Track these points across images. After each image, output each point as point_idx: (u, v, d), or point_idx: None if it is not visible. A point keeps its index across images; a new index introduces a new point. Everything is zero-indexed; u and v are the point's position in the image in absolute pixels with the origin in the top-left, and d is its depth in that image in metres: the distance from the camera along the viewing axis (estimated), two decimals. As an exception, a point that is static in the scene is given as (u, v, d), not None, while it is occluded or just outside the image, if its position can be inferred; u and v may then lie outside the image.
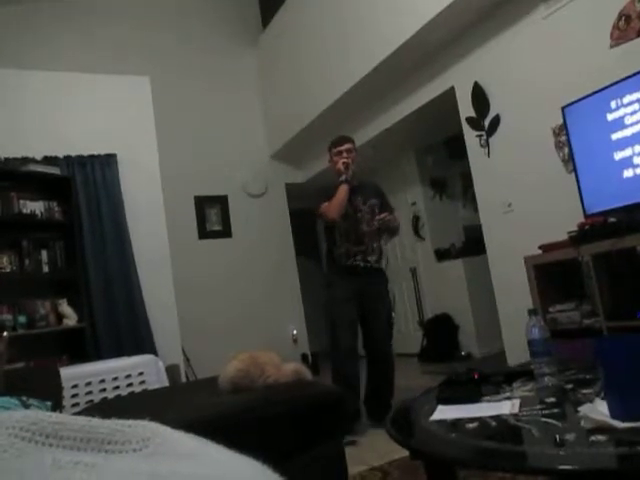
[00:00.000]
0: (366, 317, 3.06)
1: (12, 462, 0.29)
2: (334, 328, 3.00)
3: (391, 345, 3.16)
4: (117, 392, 2.72)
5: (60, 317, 3.41)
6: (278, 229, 5.72)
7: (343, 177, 2.98)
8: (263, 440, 1.43)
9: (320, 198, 3.06)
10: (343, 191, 2.96)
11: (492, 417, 1.17)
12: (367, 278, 3.03)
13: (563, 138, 3.00)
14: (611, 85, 2.62)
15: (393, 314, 3.28)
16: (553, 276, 2.88)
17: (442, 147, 5.52)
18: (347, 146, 3.08)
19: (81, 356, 3.29)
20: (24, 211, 3.42)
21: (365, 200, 3.10)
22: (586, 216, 2.73)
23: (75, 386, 2.62)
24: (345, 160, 3.02)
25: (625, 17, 2.75)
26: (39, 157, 3.56)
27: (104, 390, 2.70)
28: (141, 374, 2.84)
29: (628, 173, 2.57)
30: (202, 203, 5.37)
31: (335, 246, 3.07)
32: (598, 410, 1.01)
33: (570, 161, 2.92)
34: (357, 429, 2.85)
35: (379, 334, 3.08)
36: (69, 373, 2.56)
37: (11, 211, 3.37)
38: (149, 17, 5.31)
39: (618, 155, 2.61)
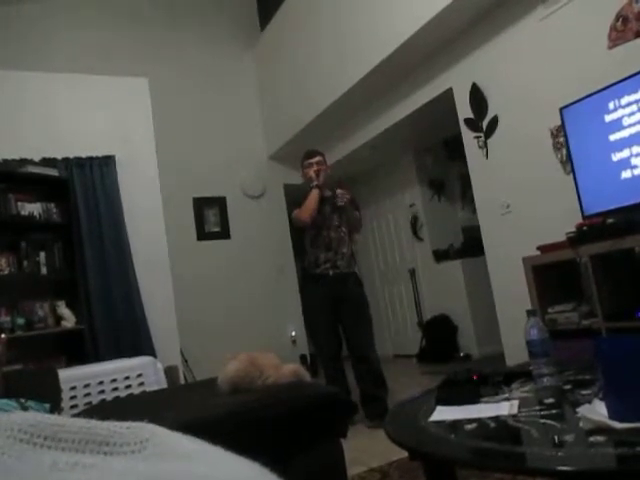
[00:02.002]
0: (342, 321, 3.16)
1: (10, 464, 0.29)
2: (314, 336, 3.25)
3: (372, 344, 3.19)
4: (116, 394, 2.72)
5: (58, 319, 3.41)
6: (277, 230, 5.72)
7: (314, 183, 3.15)
8: (262, 441, 1.43)
9: (293, 206, 3.24)
10: (314, 195, 3.11)
11: (491, 418, 1.17)
12: (338, 284, 3.13)
13: (561, 139, 3.01)
14: (609, 86, 2.63)
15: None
16: (552, 277, 2.88)
17: (440, 148, 5.53)
18: (317, 159, 3.26)
19: (79, 358, 3.28)
20: (22, 213, 3.41)
21: (333, 209, 3.20)
22: (584, 217, 2.73)
23: (73, 388, 2.61)
24: (317, 168, 3.20)
25: (622, 18, 2.75)
26: (37, 158, 3.55)
27: (103, 392, 2.69)
28: (140, 376, 2.84)
29: (626, 174, 2.57)
30: (201, 204, 5.36)
31: (306, 255, 3.20)
32: (597, 411, 1.01)
33: (568, 162, 2.92)
34: (355, 419, 2.96)
35: (355, 336, 3.15)
36: (67, 375, 2.56)
37: (9, 213, 3.37)
38: (147, 19, 5.31)
39: (616, 156, 2.61)
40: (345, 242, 3.21)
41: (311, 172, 3.20)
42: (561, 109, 2.85)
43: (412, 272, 5.64)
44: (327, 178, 3.27)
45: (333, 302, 3.12)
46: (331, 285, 3.12)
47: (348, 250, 3.23)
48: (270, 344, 4.58)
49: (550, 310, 2.81)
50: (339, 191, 3.09)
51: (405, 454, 1.20)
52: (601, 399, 1.04)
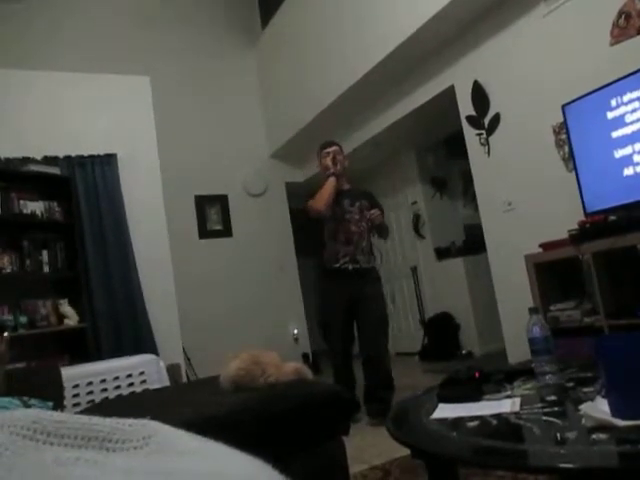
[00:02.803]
0: (358, 318, 3.09)
1: (13, 460, 0.29)
2: (326, 332, 3.12)
3: (385, 344, 3.16)
4: (118, 392, 2.72)
5: (61, 317, 3.42)
6: (278, 228, 5.72)
7: (330, 171, 3.08)
8: (264, 439, 1.43)
9: (308, 196, 3.15)
10: (330, 183, 3.04)
11: (493, 415, 1.17)
12: (357, 280, 3.05)
13: (563, 136, 3.00)
14: (611, 83, 2.62)
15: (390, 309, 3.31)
16: (554, 274, 2.88)
17: (442, 146, 5.52)
18: (334, 148, 3.19)
19: (82, 356, 3.29)
20: (24, 211, 3.42)
21: (353, 202, 3.15)
22: (586, 214, 2.73)
23: (76, 386, 2.62)
24: (333, 156, 3.12)
25: (625, 15, 2.74)
26: (39, 157, 3.56)
27: (105, 390, 2.70)
28: (142, 374, 2.84)
29: (628, 171, 2.57)
30: (202, 202, 5.37)
31: (324, 249, 3.11)
32: (599, 408, 1.01)
33: (570, 159, 2.91)
34: (357, 417, 2.90)
35: (370, 335, 3.09)
36: (70, 373, 2.56)
37: (11, 211, 3.37)
38: (149, 17, 5.31)
39: (618, 153, 2.60)
40: (365, 236, 3.12)
41: (327, 161, 3.13)
42: (563, 106, 2.85)
43: (414, 270, 5.64)
44: (345, 170, 3.19)
45: (350, 298, 3.04)
46: (350, 281, 3.03)
47: (368, 244, 3.14)
48: (272, 342, 4.59)
49: (552, 308, 2.81)
50: (371, 212, 3.05)
51: (407, 452, 1.20)
52: (603, 397, 1.04)
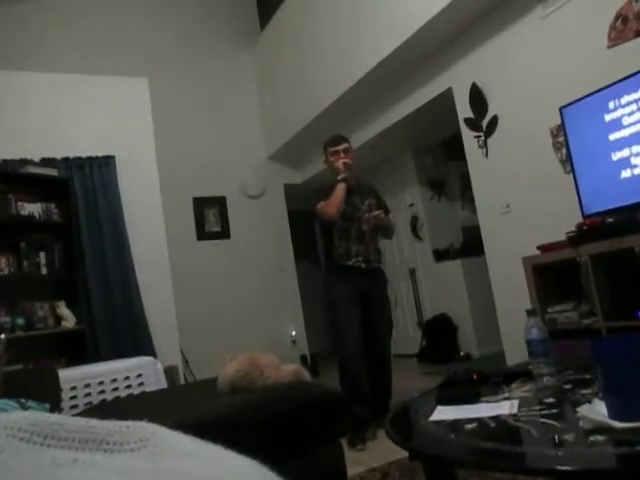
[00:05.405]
0: (366, 318, 3.00)
1: (10, 462, 0.29)
2: (339, 330, 2.93)
3: (389, 346, 3.14)
4: (116, 394, 2.72)
5: (58, 319, 3.41)
6: (277, 230, 5.72)
7: (342, 176, 2.95)
8: (262, 441, 1.43)
9: (316, 197, 3.03)
10: (341, 189, 2.93)
11: (491, 418, 1.17)
12: (369, 278, 2.99)
13: (561, 139, 3.01)
14: (609, 86, 2.63)
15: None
16: (551, 276, 2.88)
17: (440, 148, 5.53)
18: (344, 146, 3.05)
19: (80, 358, 3.28)
20: (22, 213, 3.41)
21: (363, 200, 3.07)
22: (584, 216, 2.73)
23: (74, 388, 2.62)
24: (346, 160, 2.99)
25: (622, 17, 2.75)
26: (37, 159, 3.55)
27: (103, 392, 2.70)
28: (140, 376, 2.84)
29: (626, 173, 2.57)
30: (201, 204, 5.37)
31: (334, 246, 3.01)
32: (597, 410, 1.01)
33: (568, 162, 2.92)
34: (367, 436, 2.74)
35: (379, 335, 3.05)
36: (68, 375, 2.56)
37: (9, 213, 3.37)
38: (148, 18, 5.31)
39: (616, 156, 2.61)
40: (375, 234, 3.08)
41: (339, 163, 2.98)
42: (561, 109, 2.85)
43: (412, 272, 5.65)
44: (353, 163, 3.06)
45: (361, 297, 2.95)
46: (362, 279, 2.95)
47: (377, 243, 3.09)
48: (270, 344, 4.59)
49: (550, 309, 2.81)
50: (375, 214, 2.95)
51: (405, 454, 1.20)
52: (601, 398, 1.04)
